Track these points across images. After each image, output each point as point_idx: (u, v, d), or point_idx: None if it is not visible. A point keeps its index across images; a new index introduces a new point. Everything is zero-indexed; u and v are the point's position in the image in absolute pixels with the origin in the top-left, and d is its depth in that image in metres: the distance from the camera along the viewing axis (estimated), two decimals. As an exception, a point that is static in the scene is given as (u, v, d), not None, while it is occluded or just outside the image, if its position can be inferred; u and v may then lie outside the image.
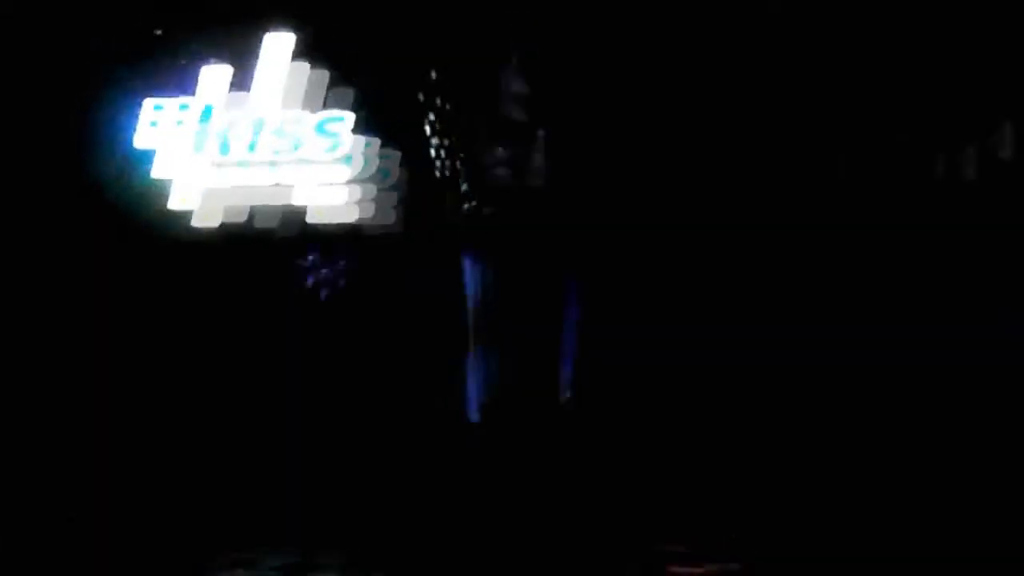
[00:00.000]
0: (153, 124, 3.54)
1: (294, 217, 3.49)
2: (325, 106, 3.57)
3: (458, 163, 3.72)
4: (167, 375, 3.34)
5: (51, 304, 3.28)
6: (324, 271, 3.55)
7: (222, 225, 3.49)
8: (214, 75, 3.62)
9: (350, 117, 3.66)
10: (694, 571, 3.07)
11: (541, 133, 3.59)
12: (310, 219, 3.62)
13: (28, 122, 3.29)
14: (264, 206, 3.55)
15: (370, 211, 3.63)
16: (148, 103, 3.50)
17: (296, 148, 3.63)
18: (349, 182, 3.67)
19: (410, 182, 3.55)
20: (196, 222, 3.53)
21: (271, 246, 3.43)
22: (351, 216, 3.65)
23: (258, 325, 3.38)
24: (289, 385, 3.29)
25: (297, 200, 3.68)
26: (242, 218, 3.50)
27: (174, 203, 3.61)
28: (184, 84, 3.49)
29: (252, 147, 3.64)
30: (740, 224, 3.67)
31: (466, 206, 3.60)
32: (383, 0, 3.64)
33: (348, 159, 3.69)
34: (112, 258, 3.43)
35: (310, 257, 3.55)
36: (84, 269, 3.38)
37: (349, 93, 3.60)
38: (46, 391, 3.26)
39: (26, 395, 3.22)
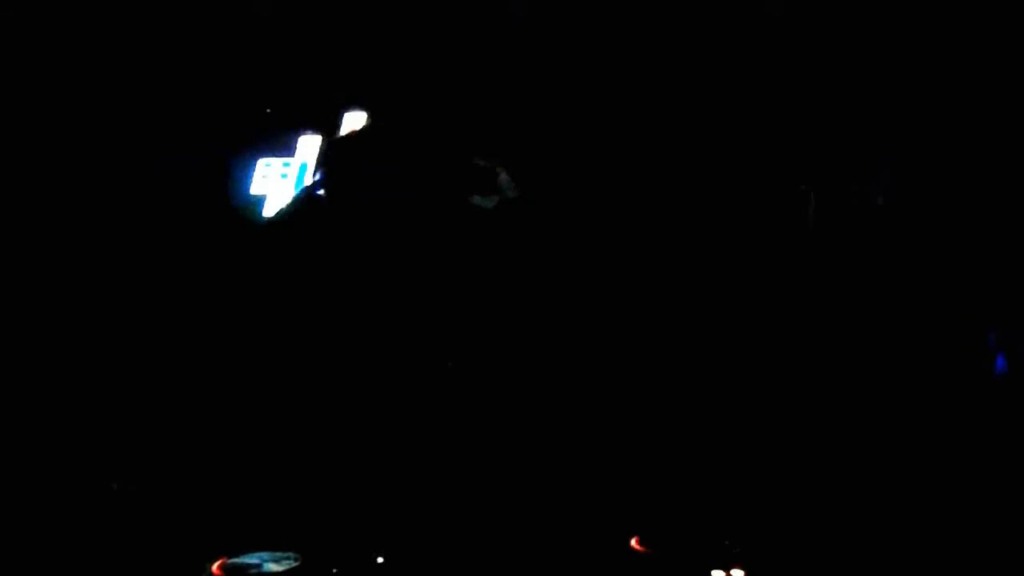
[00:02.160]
0: (264, 177, 4.65)
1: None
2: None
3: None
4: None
5: (187, 301, 4.31)
6: None
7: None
8: (308, 142, 4.69)
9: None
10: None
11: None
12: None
13: (180, 179, 4.53)
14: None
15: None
16: (261, 162, 4.61)
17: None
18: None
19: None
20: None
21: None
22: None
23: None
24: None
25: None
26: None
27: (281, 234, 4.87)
28: (287, 148, 4.64)
29: (335, 194, 4.88)
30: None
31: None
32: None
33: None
34: (235, 265, 4.42)
35: None
36: (217, 275, 4.39)
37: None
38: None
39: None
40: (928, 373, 3.73)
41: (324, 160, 4.46)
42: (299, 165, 4.69)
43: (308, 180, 4.51)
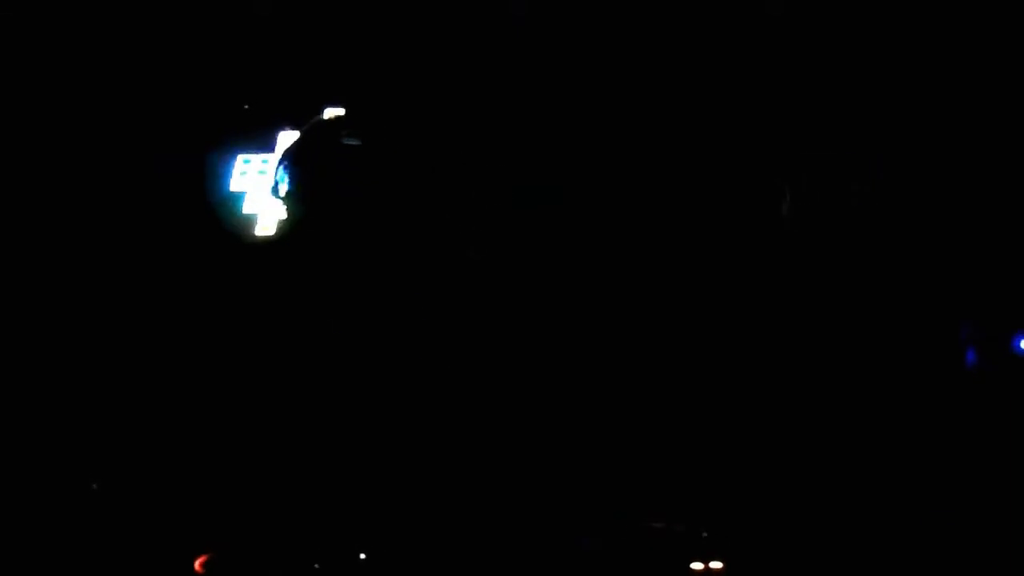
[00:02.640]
0: (243, 173, 4.61)
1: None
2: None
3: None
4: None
5: (165, 301, 4.31)
6: None
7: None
8: (287, 138, 4.77)
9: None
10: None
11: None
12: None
13: (158, 176, 4.47)
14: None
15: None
16: (240, 158, 4.57)
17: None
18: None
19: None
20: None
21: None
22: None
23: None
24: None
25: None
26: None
27: (258, 231, 4.82)
28: (265, 144, 4.64)
29: (314, 190, 4.89)
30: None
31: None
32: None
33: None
34: (214, 265, 4.45)
35: None
36: (196, 274, 4.41)
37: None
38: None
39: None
40: (902, 366, 3.76)
41: (286, 155, 4.42)
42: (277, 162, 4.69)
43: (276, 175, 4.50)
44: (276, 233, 4.35)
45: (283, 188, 4.31)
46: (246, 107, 4.62)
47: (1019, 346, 3.70)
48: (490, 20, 4.45)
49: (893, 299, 3.89)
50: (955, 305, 3.85)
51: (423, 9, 4.55)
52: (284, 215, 4.41)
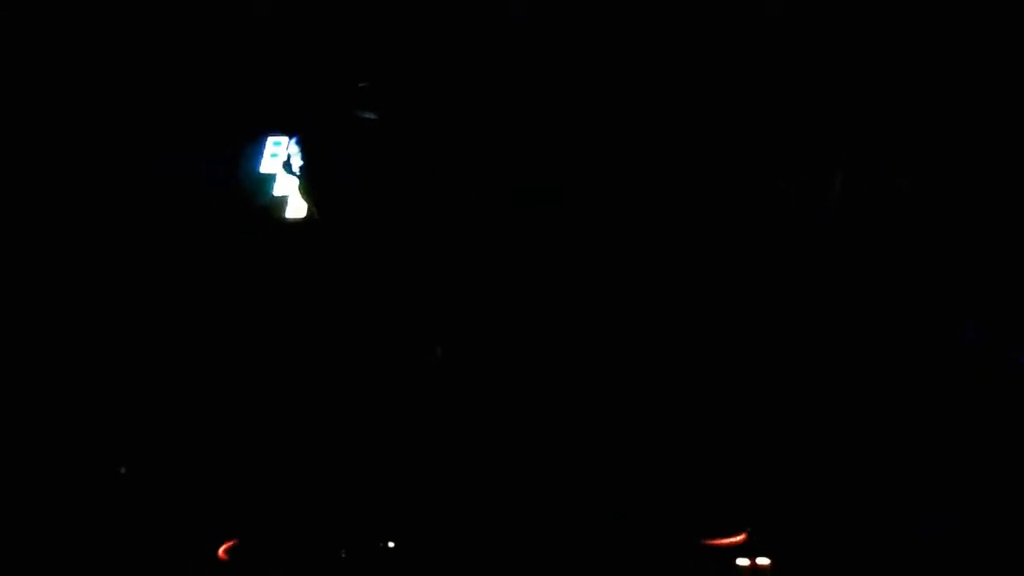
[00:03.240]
0: (273, 155, 4.58)
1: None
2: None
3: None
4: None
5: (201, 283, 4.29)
6: None
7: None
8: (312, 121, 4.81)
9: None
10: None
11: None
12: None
13: (189, 160, 4.43)
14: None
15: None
16: (270, 141, 4.52)
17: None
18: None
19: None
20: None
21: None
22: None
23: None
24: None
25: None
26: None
27: (288, 212, 4.79)
28: (296, 127, 4.54)
29: (343, 173, 4.83)
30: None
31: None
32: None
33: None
34: (244, 246, 4.42)
35: None
36: (227, 256, 4.39)
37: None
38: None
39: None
40: (904, 364, 3.70)
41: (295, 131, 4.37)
42: (309, 144, 4.62)
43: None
44: (305, 215, 4.32)
45: (295, 164, 4.31)
46: (276, 90, 4.55)
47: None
48: (490, 20, 4.35)
49: (894, 297, 3.82)
50: (958, 304, 3.76)
51: (424, 9, 4.43)
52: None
